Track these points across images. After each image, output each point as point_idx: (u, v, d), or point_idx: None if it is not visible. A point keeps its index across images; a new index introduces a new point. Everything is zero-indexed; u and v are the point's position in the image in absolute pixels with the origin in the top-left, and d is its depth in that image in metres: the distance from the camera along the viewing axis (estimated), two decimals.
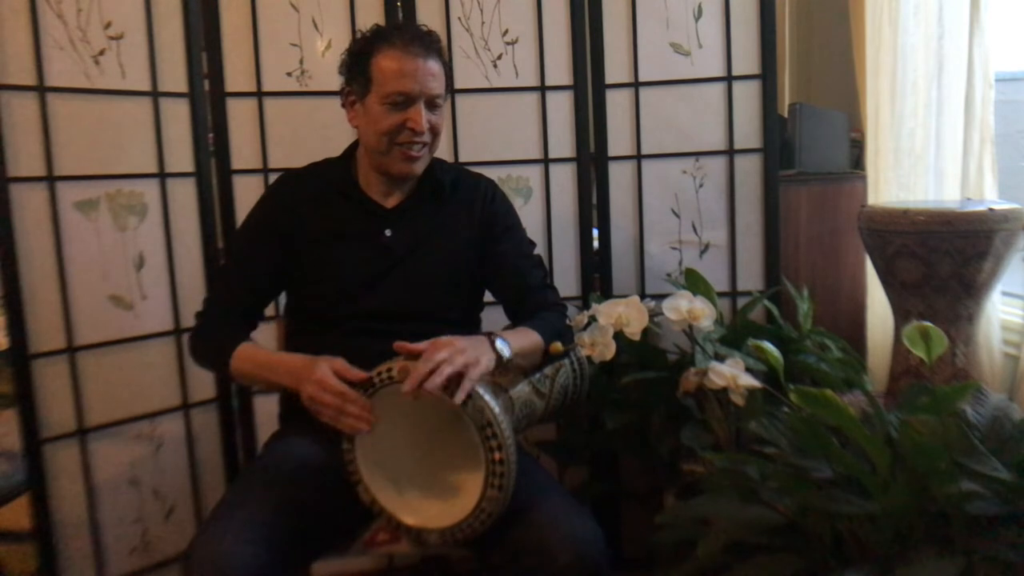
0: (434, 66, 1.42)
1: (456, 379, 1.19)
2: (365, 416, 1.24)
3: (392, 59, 1.40)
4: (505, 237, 1.55)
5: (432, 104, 1.43)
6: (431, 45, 1.44)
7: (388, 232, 1.49)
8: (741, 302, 1.96)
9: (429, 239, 1.51)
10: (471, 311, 1.61)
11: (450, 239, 1.52)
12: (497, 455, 1.19)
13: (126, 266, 1.75)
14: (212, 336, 1.47)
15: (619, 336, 1.53)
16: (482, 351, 1.26)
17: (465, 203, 1.55)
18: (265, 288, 1.54)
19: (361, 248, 1.49)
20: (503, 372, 1.34)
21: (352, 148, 1.55)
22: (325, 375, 1.26)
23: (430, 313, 1.49)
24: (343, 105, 1.49)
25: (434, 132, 1.45)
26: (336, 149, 1.57)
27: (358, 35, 1.47)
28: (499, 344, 1.30)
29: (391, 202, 1.51)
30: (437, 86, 1.43)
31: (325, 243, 1.48)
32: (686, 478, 1.60)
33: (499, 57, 1.94)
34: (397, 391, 1.23)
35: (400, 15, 1.88)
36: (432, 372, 1.18)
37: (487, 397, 1.20)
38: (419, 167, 1.47)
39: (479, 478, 1.20)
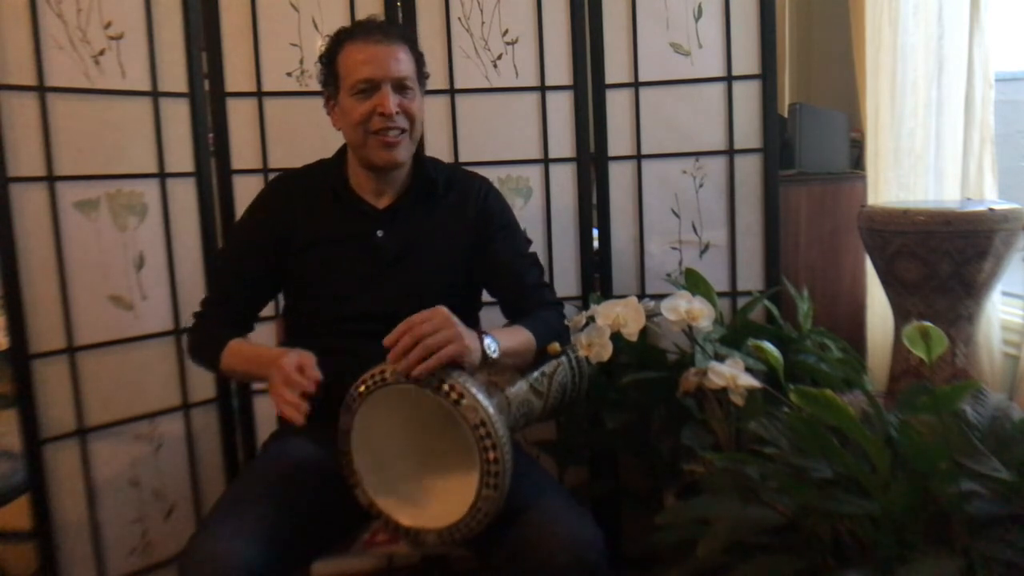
0: (396, 50, 1.42)
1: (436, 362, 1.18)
2: (298, 406, 1.19)
3: (353, 51, 1.41)
4: (500, 236, 1.54)
5: (401, 87, 1.42)
6: (391, 31, 1.44)
7: (380, 233, 1.49)
8: (741, 302, 1.96)
9: (422, 240, 1.50)
10: (468, 312, 1.60)
11: (444, 240, 1.52)
12: (491, 455, 1.18)
13: (126, 266, 1.75)
14: (205, 336, 1.48)
15: (618, 336, 1.53)
16: (469, 335, 1.24)
17: (459, 203, 1.54)
18: (259, 291, 1.54)
19: (353, 250, 1.48)
20: (499, 372, 1.34)
21: (344, 149, 1.54)
22: (286, 363, 1.24)
23: None
24: (328, 113, 1.49)
25: (409, 117, 1.43)
26: (335, 149, 1.56)
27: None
28: (487, 341, 1.28)
29: (383, 203, 1.51)
30: (401, 68, 1.42)
31: (318, 245, 1.48)
32: (686, 478, 1.59)
33: (499, 57, 1.94)
34: (391, 393, 1.23)
35: (400, 15, 1.88)
36: (415, 346, 1.18)
37: (480, 397, 1.20)
38: (400, 154, 1.45)
39: (474, 478, 1.20)
